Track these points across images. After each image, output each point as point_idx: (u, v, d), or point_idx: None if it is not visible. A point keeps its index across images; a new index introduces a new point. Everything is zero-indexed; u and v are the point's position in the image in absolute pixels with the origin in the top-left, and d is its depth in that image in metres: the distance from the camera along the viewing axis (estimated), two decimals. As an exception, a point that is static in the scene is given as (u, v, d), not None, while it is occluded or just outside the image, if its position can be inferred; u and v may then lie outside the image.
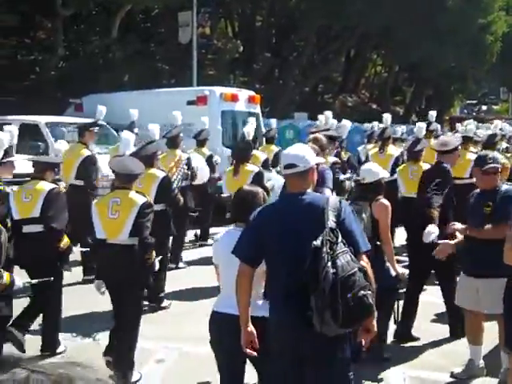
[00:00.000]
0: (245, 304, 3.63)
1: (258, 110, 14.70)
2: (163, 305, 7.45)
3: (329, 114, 11.98)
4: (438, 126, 15.23)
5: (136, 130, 10.12)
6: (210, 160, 10.46)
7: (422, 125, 10.57)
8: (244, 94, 14.49)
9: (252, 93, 14.93)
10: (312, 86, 33.27)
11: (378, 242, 5.48)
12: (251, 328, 3.63)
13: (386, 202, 5.62)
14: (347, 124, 11.64)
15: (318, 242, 3.34)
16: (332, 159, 8.00)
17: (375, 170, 5.68)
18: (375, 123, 14.88)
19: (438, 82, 36.73)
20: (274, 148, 11.83)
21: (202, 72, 23.01)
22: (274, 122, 13.72)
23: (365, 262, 3.53)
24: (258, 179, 7.73)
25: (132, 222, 5.31)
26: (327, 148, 6.99)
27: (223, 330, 3.92)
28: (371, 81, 42.71)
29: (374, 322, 3.57)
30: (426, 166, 8.08)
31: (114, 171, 5.71)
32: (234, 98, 13.83)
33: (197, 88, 16.12)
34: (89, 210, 5.67)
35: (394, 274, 5.55)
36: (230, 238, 3.89)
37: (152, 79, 20.36)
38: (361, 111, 34.98)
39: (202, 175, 9.60)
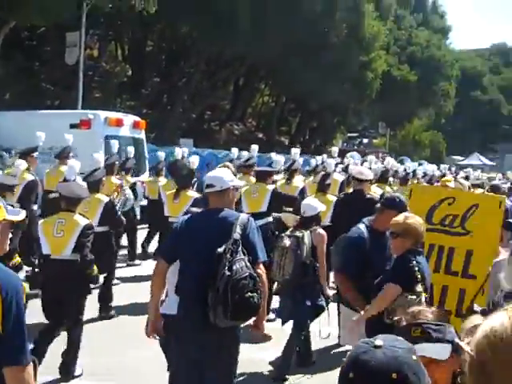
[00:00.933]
0: (157, 296, 4.37)
1: (142, 135, 14.66)
2: (111, 313, 8.18)
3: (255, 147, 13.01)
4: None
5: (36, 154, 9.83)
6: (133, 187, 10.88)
7: (331, 161, 11.60)
8: (129, 119, 14.41)
9: (137, 118, 14.88)
10: (199, 112, 33.47)
11: (318, 264, 6.29)
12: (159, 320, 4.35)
13: (322, 231, 6.43)
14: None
15: (221, 250, 4.04)
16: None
17: (314, 205, 6.45)
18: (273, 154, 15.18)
19: (321, 115, 38.09)
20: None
21: (88, 94, 22.62)
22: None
23: (260, 269, 4.24)
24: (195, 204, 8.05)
25: (74, 241, 6.00)
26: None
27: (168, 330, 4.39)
28: (258, 110, 43.54)
29: (264, 322, 4.38)
30: (332, 198, 8.78)
31: (60, 194, 6.30)
32: (119, 123, 13.72)
33: (81, 111, 15.86)
34: None
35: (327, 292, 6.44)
36: None
37: (35, 99, 19.79)
38: (247, 140, 35.57)
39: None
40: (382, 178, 11.98)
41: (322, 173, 10.49)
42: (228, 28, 23.11)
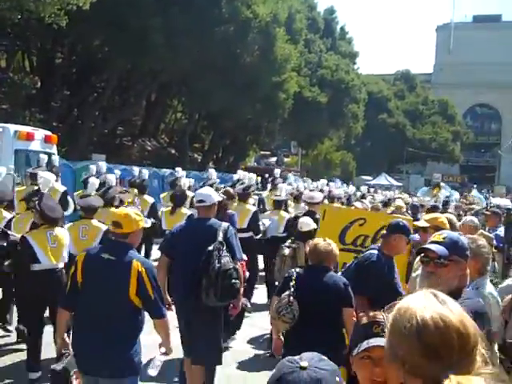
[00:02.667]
0: (163, 283, 5.54)
1: (54, 150, 14.30)
2: None
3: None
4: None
5: None
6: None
7: (283, 185, 12.90)
8: (40, 133, 14.04)
9: (48, 132, 14.51)
10: (111, 127, 32.97)
11: None
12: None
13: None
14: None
15: (211, 248, 5.49)
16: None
17: (309, 223, 7.38)
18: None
19: (234, 132, 38.38)
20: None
21: (-5, 106, 21.88)
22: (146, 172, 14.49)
23: (238, 265, 5.68)
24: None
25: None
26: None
27: None
28: (171, 126, 43.37)
29: (240, 302, 5.94)
30: (284, 214, 10.29)
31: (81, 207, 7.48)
32: (30, 137, 13.35)
33: (-12, 124, 15.28)
34: None
35: None
36: None
37: None
38: (159, 156, 35.32)
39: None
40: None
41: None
42: (140, 43, 22.93)
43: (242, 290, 5.77)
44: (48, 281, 6.32)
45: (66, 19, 17.79)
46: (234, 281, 5.46)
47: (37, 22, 19.39)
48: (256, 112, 31.43)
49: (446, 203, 16.95)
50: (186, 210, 10.06)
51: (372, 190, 28.42)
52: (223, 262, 5.42)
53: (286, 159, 51.66)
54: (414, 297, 1.63)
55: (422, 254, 3.28)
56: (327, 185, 21.34)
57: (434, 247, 3.22)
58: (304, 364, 1.68)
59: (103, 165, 14.09)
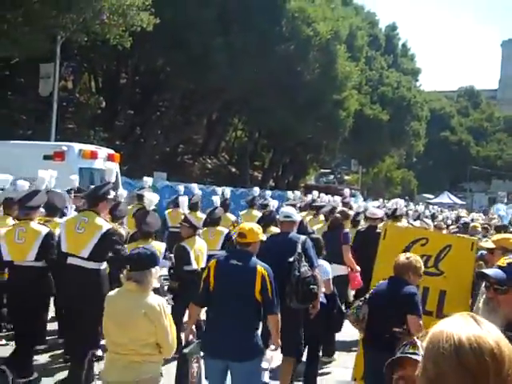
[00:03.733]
0: None
1: (117, 168, 14.58)
2: None
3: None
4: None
5: None
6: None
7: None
8: (103, 151, 14.36)
9: (111, 151, 14.82)
10: (173, 146, 33.51)
11: None
12: None
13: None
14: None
15: (292, 259, 6.35)
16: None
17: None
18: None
19: (295, 151, 38.39)
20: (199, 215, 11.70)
21: (62, 125, 22.52)
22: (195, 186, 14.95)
23: (315, 272, 6.56)
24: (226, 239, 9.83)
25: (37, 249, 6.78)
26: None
27: None
28: (231, 145, 43.72)
29: (318, 303, 6.60)
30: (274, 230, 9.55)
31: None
32: (93, 156, 13.66)
33: (55, 143, 15.77)
34: None
35: None
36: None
37: (7, 129, 19.62)
38: (220, 174, 35.67)
39: None
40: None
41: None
42: (202, 63, 23.29)
43: (320, 293, 6.67)
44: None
45: (130, 40, 18.27)
46: (312, 286, 6.34)
47: (102, 44, 19.95)
48: (316, 130, 31.34)
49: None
50: (222, 229, 10.10)
51: (435, 208, 27.83)
52: (302, 271, 6.33)
53: (346, 177, 51.30)
54: (449, 319, 1.60)
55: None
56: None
57: (491, 272, 3.11)
58: None
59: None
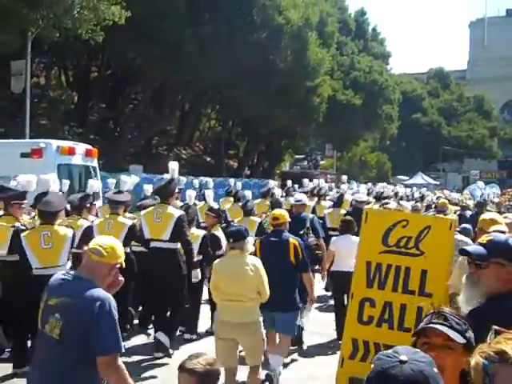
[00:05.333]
0: None
1: (95, 163, 14.62)
2: None
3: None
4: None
5: None
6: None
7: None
8: (81, 147, 14.36)
9: (89, 146, 14.83)
10: (147, 138, 33.40)
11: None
12: None
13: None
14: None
15: (302, 232, 8.73)
16: None
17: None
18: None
19: (269, 138, 38.51)
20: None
21: (35, 122, 22.35)
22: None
23: (320, 241, 9.57)
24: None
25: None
26: None
27: None
28: (205, 134, 43.68)
29: (325, 266, 9.45)
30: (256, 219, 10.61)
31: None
32: (71, 152, 13.66)
33: (32, 140, 15.69)
34: None
35: None
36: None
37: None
38: (195, 164, 35.67)
39: None
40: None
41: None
42: (174, 54, 23.22)
43: (324, 258, 9.18)
44: None
45: (102, 35, 18.18)
46: (316, 252, 8.93)
47: (74, 39, 19.82)
48: (290, 117, 31.49)
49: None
50: (198, 231, 10.00)
51: (408, 189, 28.29)
52: (309, 241, 8.75)
53: (321, 162, 51.56)
54: None
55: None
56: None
57: (470, 248, 3.29)
58: (404, 358, 1.76)
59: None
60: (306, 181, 19.13)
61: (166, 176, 14.28)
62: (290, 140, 40.52)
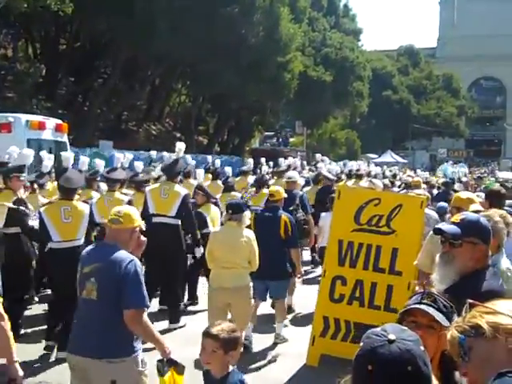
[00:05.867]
0: None
1: (65, 138, 14.45)
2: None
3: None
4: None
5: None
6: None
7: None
8: (51, 122, 14.17)
9: (59, 121, 14.64)
10: (116, 113, 33.00)
11: None
12: None
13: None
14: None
15: (291, 208, 9.38)
16: None
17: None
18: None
19: (239, 114, 38.34)
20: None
21: (1, 95, 21.93)
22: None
23: (309, 217, 10.25)
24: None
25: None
26: None
27: None
28: (176, 110, 43.32)
29: (312, 242, 10.99)
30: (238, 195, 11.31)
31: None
32: (41, 126, 13.48)
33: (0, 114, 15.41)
34: None
35: None
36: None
37: None
38: (165, 139, 35.39)
39: None
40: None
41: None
42: (145, 28, 22.92)
43: (312, 232, 10.28)
44: None
45: (71, 6, 17.86)
46: (304, 226, 9.64)
47: (41, 9, 19.40)
48: (261, 93, 31.34)
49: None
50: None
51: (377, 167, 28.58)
52: (298, 216, 9.31)
53: (291, 139, 51.51)
54: None
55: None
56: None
57: (445, 227, 3.37)
58: (391, 337, 1.80)
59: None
60: (281, 160, 19.35)
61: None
62: (261, 116, 40.37)
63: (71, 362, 4.25)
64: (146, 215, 8.10)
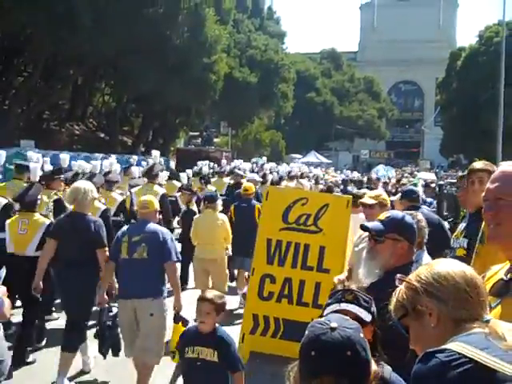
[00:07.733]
0: None
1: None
2: None
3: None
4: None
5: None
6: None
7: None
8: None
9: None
10: (37, 112, 32.12)
11: None
12: None
13: None
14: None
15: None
16: None
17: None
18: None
19: (164, 115, 38.08)
20: None
21: None
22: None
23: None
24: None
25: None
26: None
27: None
28: (99, 110, 42.55)
29: None
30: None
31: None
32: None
33: None
34: None
35: None
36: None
37: None
38: (89, 140, 34.73)
39: None
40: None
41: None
42: (66, 25, 22.33)
43: None
44: None
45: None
46: None
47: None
48: (186, 94, 31.22)
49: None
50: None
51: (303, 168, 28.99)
52: None
53: (215, 139, 51.52)
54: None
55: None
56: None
57: (371, 225, 3.53)
58: (333, 325, 1.92)
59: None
60: (223, 161, 22.55)
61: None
62: (186, 117, 40.25)
63: (124, 305, 5.97)
64: (133, 210, 9.68)
